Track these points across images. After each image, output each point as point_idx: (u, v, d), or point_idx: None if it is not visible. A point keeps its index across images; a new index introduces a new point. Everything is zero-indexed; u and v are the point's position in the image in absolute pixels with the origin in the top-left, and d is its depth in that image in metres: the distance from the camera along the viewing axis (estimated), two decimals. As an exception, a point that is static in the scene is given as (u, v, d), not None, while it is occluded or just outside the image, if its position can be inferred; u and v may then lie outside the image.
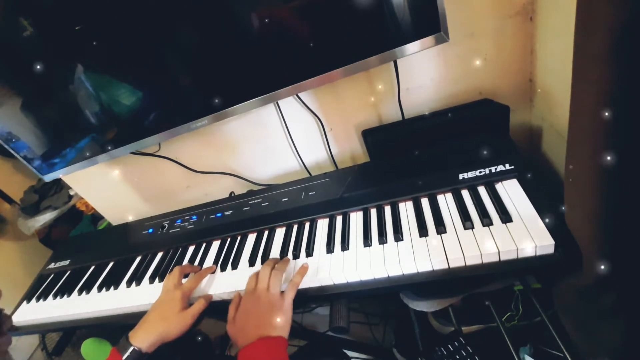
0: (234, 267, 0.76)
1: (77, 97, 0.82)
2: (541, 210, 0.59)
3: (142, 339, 0.63)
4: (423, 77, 0.88)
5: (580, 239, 0.52)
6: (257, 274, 0.67)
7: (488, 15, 0.78)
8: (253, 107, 0.80)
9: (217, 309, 0.73)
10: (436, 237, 0.63)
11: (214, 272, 0.77)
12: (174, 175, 1.10)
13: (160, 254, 0.89)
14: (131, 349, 0.62)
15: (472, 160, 0.73)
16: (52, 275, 0.99)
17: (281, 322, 0.60)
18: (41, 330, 0.92)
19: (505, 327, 0.75)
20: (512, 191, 0.65)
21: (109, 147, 0.90)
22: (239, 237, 0.83)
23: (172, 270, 0.75)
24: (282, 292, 0.64)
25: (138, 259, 0.91)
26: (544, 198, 0.61)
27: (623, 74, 0.36)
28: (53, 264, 1.03)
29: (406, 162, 0.82)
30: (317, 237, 0.74)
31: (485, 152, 0.73)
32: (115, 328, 0.71)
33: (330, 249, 0.70)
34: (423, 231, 0.65)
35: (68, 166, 0.95)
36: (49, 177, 0.98)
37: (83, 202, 1.61)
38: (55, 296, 0.91)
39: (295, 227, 0.79)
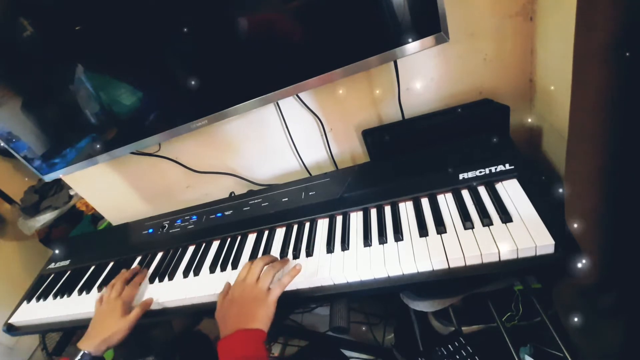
0: (234, 267, 0.76)
1: (77, 97, 0.82)
2: (541, 210, 0.60)
3: (88, 344, 0.70)
4: (423, 77, 0.88)
5: (580, 239, 0.52)
6: (250, 265, 0.68)
7: (488, 15, 0.78)
8: (253, 107, 0.80)
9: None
10: (436, 237, 0.63)
11: (145, 276, 0.83)
12: (174, 175, 1.10)
13: (160, 254, 0.89)
14: (81, 353, 0.69)
15: (472, 160, 0.73)
16: (52, 275, 0.99)
17: (262, 315, 0.60)
18: (41, 330, 0.92)
19: (505, 327, 0.75)
20: (512, 191, 0.65)
21: (109, 147, 0.90)
22: (239, 237, 0.83)
23: (114, 280, 0.80)
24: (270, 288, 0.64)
25: (138, 259, 0.91)
26: (544, 198, 0.61)
27: (623, 73, 0.36)
28: (53, 264, 1.03)
29: (406, 162, 0.82)
30: (317, 237, 0.74)
31: (485, 152, 0.73)
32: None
33: (330, 249, 0.70)
34: (423, 231, 0.65)
35: (68, 166, 0.95)
36: (49, 177, 0.98)
37: (83, 202, 1.60)
38: (55, 296, 0.91)
39: (296, 227, 0.79)
